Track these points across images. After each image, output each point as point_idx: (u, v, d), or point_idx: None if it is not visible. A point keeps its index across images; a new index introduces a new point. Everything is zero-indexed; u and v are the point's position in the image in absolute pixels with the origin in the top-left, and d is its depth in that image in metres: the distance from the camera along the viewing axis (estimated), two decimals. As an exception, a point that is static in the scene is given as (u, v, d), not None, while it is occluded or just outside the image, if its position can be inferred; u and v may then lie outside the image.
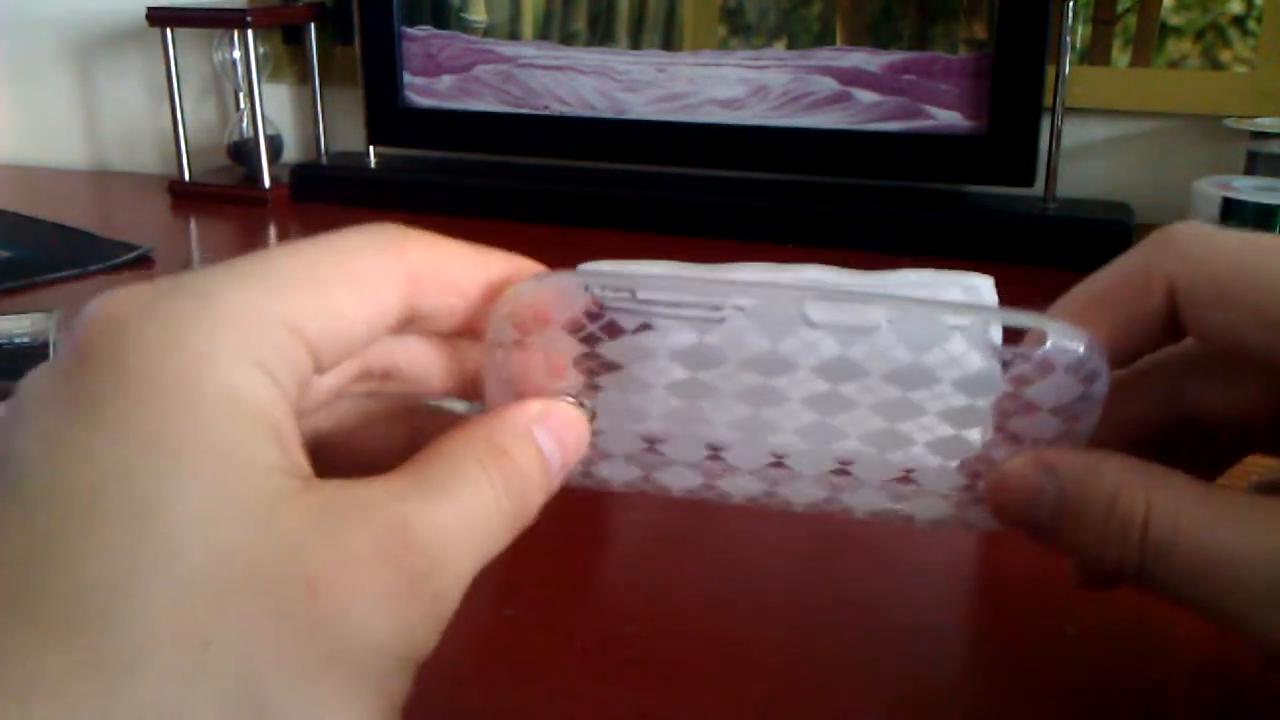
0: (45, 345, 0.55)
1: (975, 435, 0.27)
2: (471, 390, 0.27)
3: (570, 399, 0.26)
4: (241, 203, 1.03)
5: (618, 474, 0.28)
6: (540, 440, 0.25)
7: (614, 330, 0.26)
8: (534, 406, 0.25)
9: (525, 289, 0.25)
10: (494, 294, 0.25)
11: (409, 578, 0.20)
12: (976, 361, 0.26)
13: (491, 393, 0.26)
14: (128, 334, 0.20)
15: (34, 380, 0.21)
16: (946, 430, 0.27)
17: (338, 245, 0.23)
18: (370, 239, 0.23)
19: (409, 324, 0.24)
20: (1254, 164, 0.77)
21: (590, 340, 0.26)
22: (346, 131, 1.09)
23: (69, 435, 0.19)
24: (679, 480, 0.29)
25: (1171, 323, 0.26)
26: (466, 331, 0.26)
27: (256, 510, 0.19)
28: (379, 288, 0.23)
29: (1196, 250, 0.25)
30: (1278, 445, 0.28)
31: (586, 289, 0.26)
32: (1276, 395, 0.27)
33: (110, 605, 0.18)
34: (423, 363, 0.27)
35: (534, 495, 0.24)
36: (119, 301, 0.21)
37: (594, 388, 0.27)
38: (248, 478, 0.20)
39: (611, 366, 0.27)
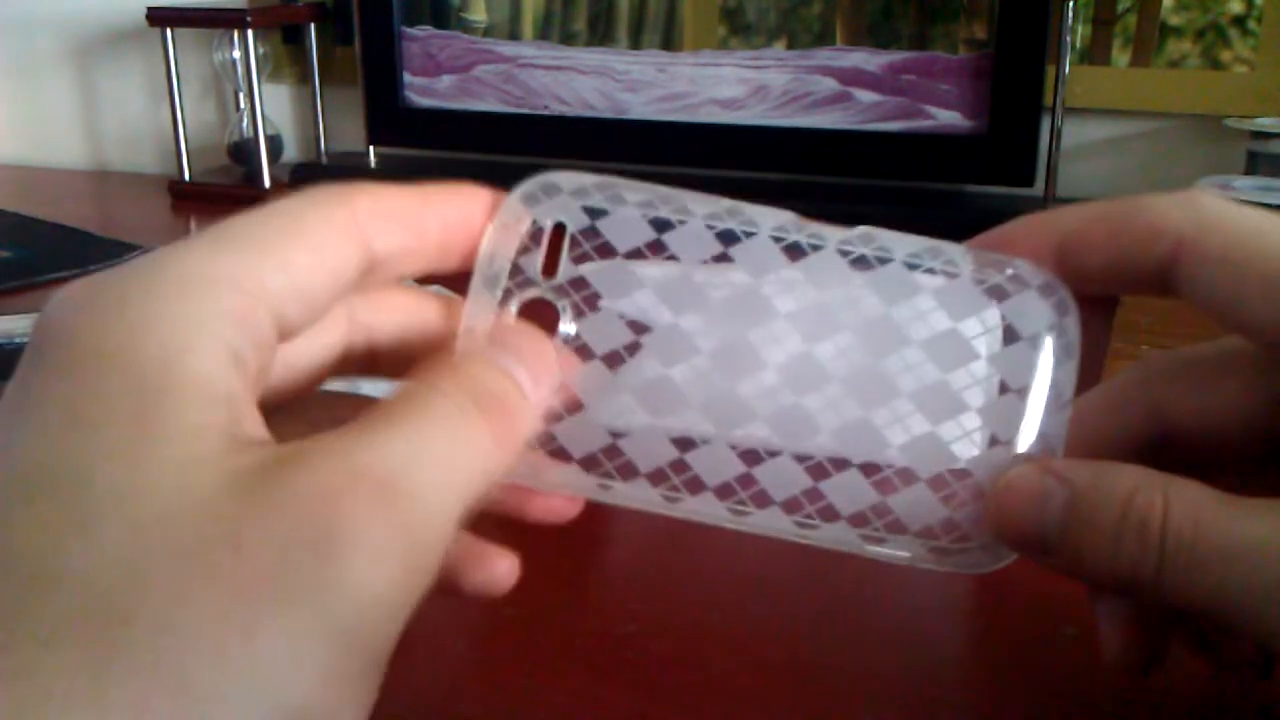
0: (45, 345, 0.55)
1: (969, 394, 0.27)
2: (447, 264, 0.26)
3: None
4: (241, 203, 1.01)
5: (572, 480, 0.26)
6: (504, 364, 0.23)
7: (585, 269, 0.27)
8: (485, 334, 0.24)
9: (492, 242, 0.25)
10: (448, 228, 0.25)
11: (379, 519, 0.19)
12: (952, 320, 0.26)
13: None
14: (79, 312, 0.20)
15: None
16: (932, 392, 0.27)
17: (285, 206, 0.22)
18: (315, 195, 0.23)
19: (372, 274, 0.24)
20: (1254, 164, 0.77)
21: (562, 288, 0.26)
22: (346, 132, 1.09)
23: (8, 418, 0.19)
24: (640, 492, 0.27)
25: (1163, 278, 0.25)
26: (432, 275, 0.25)
27: (176, 476, 0.18)
28: (330, 238, 0.22)
29: (1215, 212, 0.25)
30: (1256, 454, 0.27)
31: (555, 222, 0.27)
32: (1256, 398, 0.26)
33: (33, 580, 0.17)
34: (403, 332, 0.26)
35: (515, 416, 0.23)
36: (77, 286, 0.21)
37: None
38: (171, 444, 0.19)
39: (588, 304, 0.27)
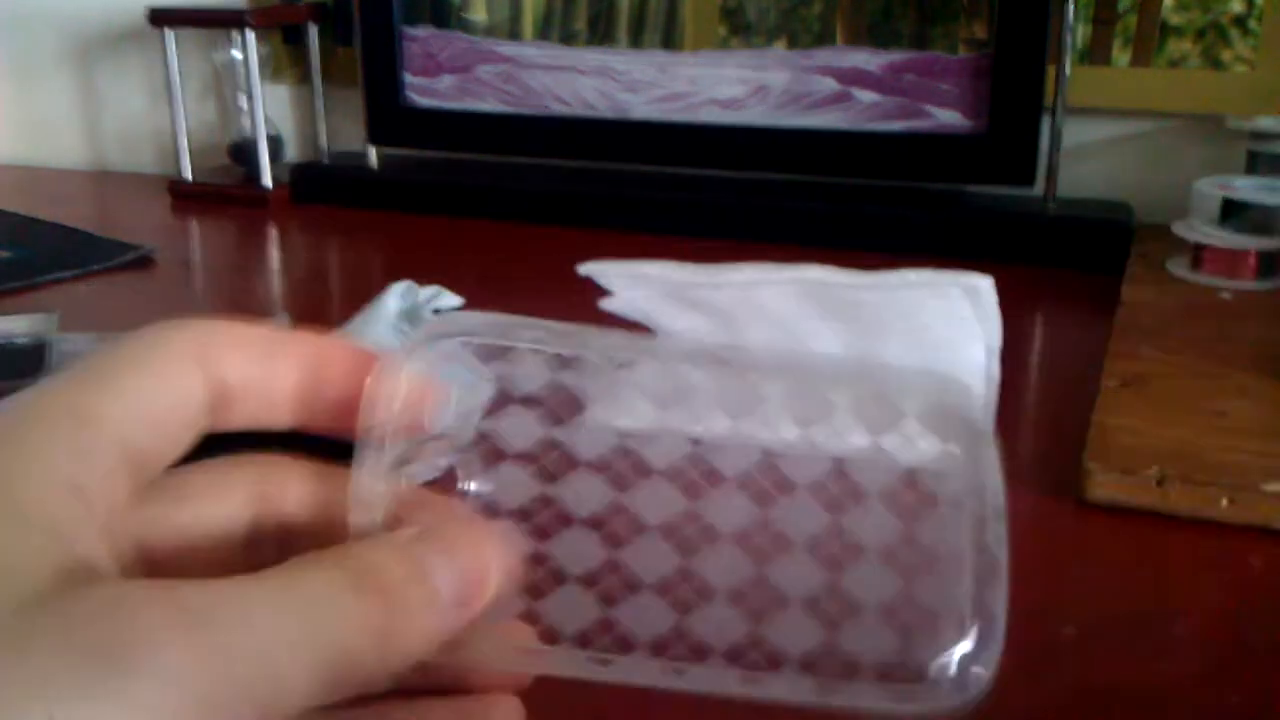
0: (45, 345, 0.55)
1: None
2: (321, 417, 0.24)
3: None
4: (242, 203, 1.03)
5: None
6: (411, 549, 0.21)
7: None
8: (420, 526, 0.22)
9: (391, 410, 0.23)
10: (308, 371, 0.23)
11: (181, 641, 0.17)
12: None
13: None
14: None
15: None
16: None
17: (134, 337, 0.22)
18: (166, 326, 0.22)
19: (228, 408, 0.23)
20: (1254, 164, 0.77)
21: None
22: (347, 131, 1.09)
23: None
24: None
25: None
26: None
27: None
28: (172, 365, 0.22)
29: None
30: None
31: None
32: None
33: None
34: (265, 385, 0.23)
35: (402, 604, 0.20)
36: None
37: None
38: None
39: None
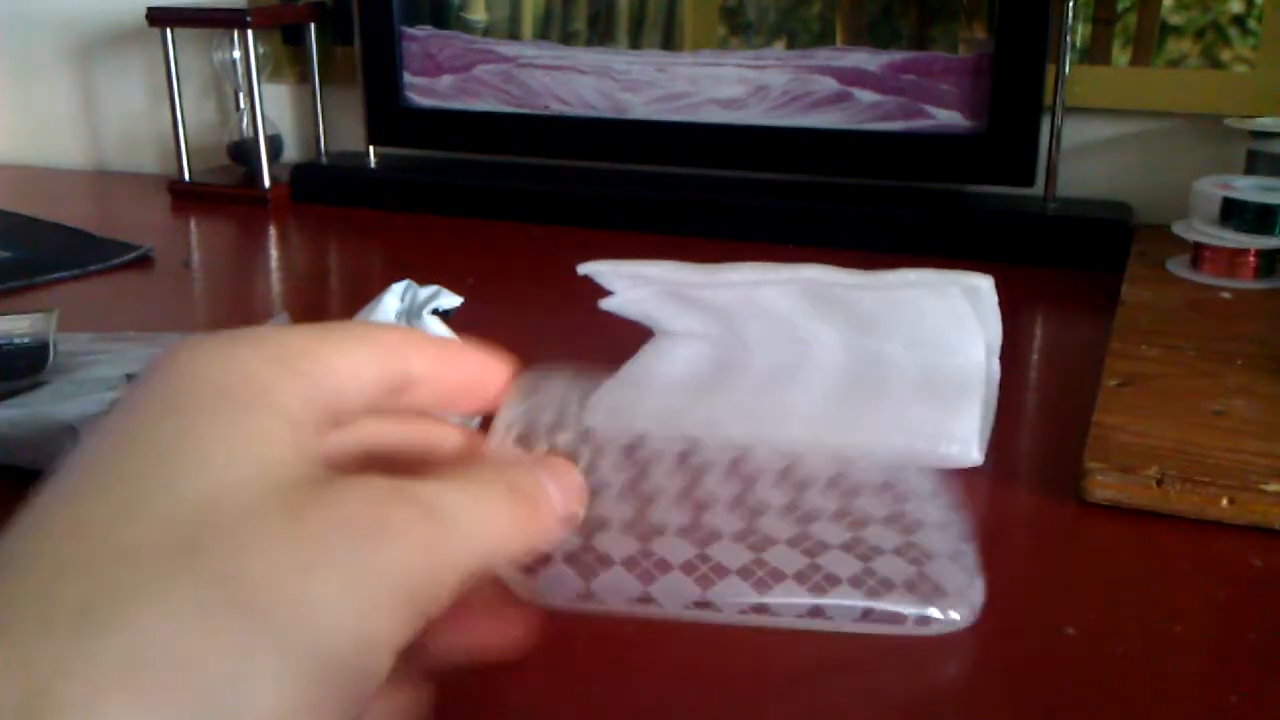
0: (45, 345, 0.54)
1: None
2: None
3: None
4: (241, 203, 1.03)
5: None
6: (535, 473, 0.27)
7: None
8: (531, 456, 0.29)
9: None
10: (473, 376, 0.30)
11: (419, 528, 0.23)
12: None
13: None
14: (194, 355, 0.24)
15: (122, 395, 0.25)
16: None
17: (354, 323, 0.27)
18: (378, 323, 0.28)
19: (403, 392, 0.28)
20: (1254, 163, 0.77)
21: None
22: (346, 131, 1.09)
23: (119, 416, 0.23)
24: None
25: None
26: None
27: (254, 463, 0.22)
28: (382, 349, 0.27)
29: None
30: None
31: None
32: None
33: (121, 513, 0.21)
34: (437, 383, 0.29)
35: (540, 503, 0.27)
36: (193, 340, 0.25)
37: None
38: (251, 442, 0.22)
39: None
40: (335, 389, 0.25)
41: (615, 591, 0.32)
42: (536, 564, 0.31)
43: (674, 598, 0.32)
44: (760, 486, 0.36)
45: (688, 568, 0.33)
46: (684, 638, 0.35)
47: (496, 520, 0.25)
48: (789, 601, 0.33)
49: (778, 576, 0.33)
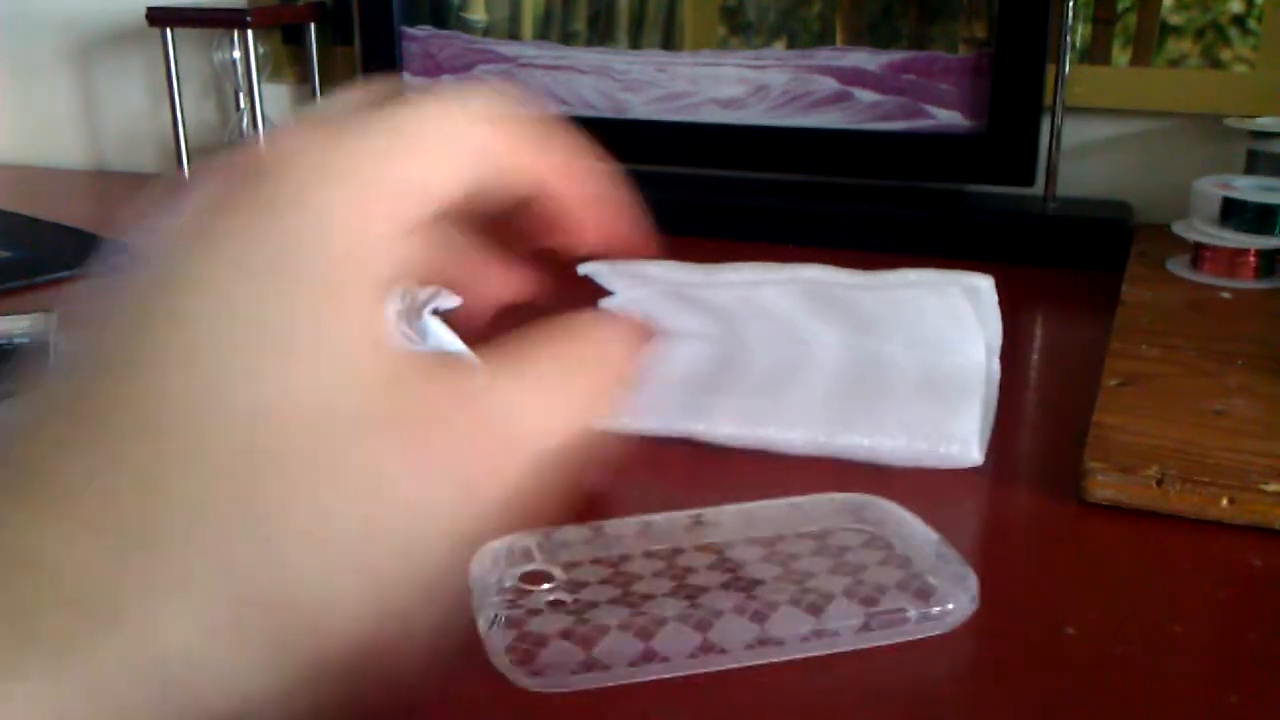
0: (45, 345, 0.55)
1: None
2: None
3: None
4: (241, 203, 1.02)
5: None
6: (613, 336, 0.28)
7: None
8: (599, 312, 0.29)
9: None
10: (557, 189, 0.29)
11: (471, 440, 0.23)
12: None
13: None
14: (287, 183, 0.24)
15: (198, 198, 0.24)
16: None
17: (429, 113, 0.27)
18: (455, 111, 0.27)
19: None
20: (1254, 163, 0.77)
21: None
22: (346, 131, 1.09)
23: (214, 262, 0.23)
24: None
25: None
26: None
27: (352, 362, 0.22)
28: (461, 162, 0.27)
29: None
30: None
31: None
32: None
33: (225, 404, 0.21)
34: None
35: (611, 369, 0.28)
36: (316, 141, 0.25)
37: None
38: (353, 324, 0.23)
39: None
40: (424, 204, 0.25)
41: (617, 655, 0.32)
42: (531, 650, 0.32)
43: (676, 648, 0.32)
44: (735, 547, 0.37)
45: (683, 618, 0.33)
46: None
47: (569, 409, 0.26)
48: (790, 628, 0.33)
49: (773, 606, 0.33)
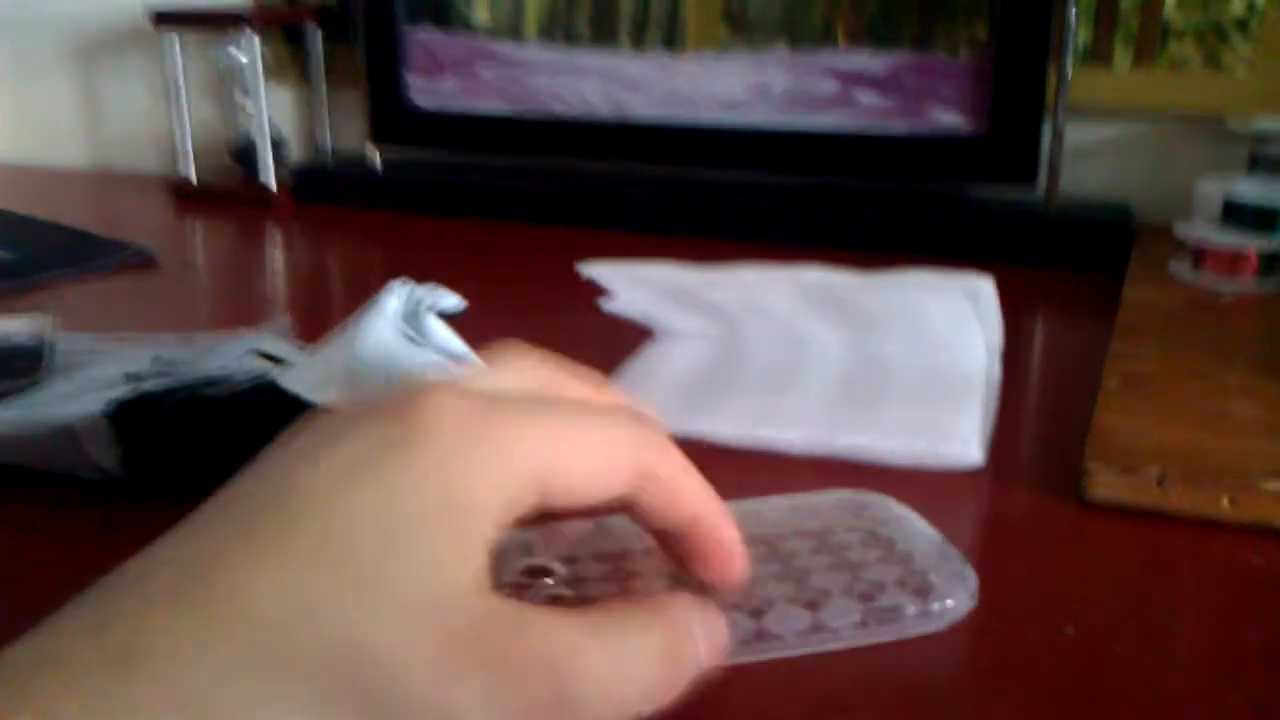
0: (44, 346, 0.55)
1: None
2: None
3: None
4: (244, 203, 1.03)
5: None
6: (696, 624, 0.28)
7: None
8: (693, 599, 0.29)
9: None
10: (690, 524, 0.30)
11: (541, 699, 0.24)
12: None
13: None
14: (425, 442, 0.25)
15: (337, 430, 0.25)
16: None
17: (597, 420, 0.28)
18: (622, 423, 0.28)
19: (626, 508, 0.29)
20: (1255, 165, 0.77)
21: None
22: (349, 132, 1.09)
23: (350, 494, 0.24)
24: None
25: None
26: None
27: (454, 590, 0.23)
28: (613, 475, 0.28)
29: None
30: None
31: None
32: None
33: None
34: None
35: (688, 663, 0.27)
36: (442, 410, 0.25)
37: None
38: (459, 565, 0.24)
39: None
40: (554, 496, 0.26)
41: None
42: None
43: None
44: None
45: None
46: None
47: (638, 682, 0.26)
48: (788, 625, 0.33)
49: (771, 603, 0.34)
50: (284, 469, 0.25)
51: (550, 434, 0.27)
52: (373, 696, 0.22)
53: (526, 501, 0.26)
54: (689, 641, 0.27)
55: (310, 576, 0.22)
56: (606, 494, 0.28)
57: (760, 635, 0.33)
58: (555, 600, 0.33)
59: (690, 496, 0.29)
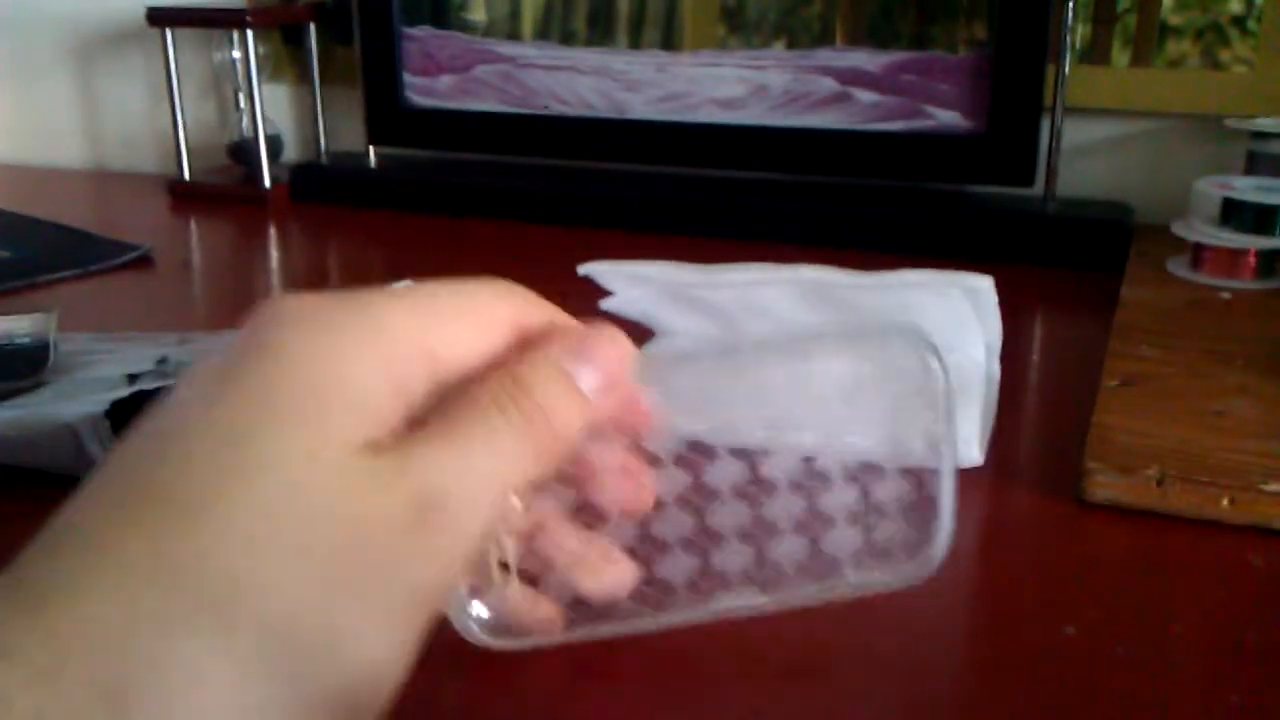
0: (45, 345, 0.54)
1: None
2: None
3: None
4: (241, 202, 1.03)
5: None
6: (572, 369, 0.28)
7: None
8: (567, 340, 0.29)
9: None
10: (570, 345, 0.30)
11: (418, 514, 0.24)
12: None
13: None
14: (292, 327, 0.25)
15: (210, 354, 0.26)
16: None
17: (465, 289, 0.29)
18: (490, 288, 0.30)
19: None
20: (1254, 164, 0.77)
21: None
22: (346, 131, 1.09)
23: (213, 393, 0.24)
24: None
25: None
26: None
27: (313, 478, 0.23)
28: (494, 329, 0.29)
29: None
30: None
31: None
32: None
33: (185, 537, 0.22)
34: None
35: (563, 423, 0.27)
36: (289, 303, 0.26)
37: None
38: (326, 443, 0.24)
39: None
40: (431, 362, 0.27)
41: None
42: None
43: (676, 572, 0.33)
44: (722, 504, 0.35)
45: (685, 545, 0.33)
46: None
47: (507, 471, 0.26)
48: (789, 550, 0.33)
49: (773, 530, 0.33)
50: (157, 424, 0.25)
51: (419, 307, 0.27)
52: (270, 625, 0.22)
53: (417, 373, 0.26)
54: (554, 387, 0.28)
55: (184, 477, 0.23)
56: (493, 349, 0.28)
57: (759, 563, 0.33)
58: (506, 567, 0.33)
59: (565, 320, 0.31)
